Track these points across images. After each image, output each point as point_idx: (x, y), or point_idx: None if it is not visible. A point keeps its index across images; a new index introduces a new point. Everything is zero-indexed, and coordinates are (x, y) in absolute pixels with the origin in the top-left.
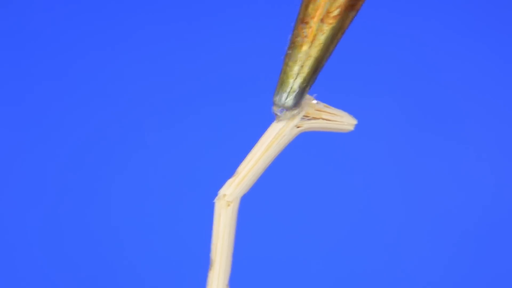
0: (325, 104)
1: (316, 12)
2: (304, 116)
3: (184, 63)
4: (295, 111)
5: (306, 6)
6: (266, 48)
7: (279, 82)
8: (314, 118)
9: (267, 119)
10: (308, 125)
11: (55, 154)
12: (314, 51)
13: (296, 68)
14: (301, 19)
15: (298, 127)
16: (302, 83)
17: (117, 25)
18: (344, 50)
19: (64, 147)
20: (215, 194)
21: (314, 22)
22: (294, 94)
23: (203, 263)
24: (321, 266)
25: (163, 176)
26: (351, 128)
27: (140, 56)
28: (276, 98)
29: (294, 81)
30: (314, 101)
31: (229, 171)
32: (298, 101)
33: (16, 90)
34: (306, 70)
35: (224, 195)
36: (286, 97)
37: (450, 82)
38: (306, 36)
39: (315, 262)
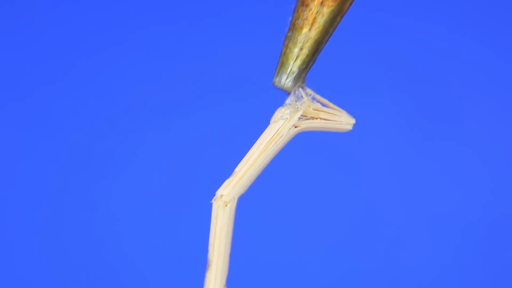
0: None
1: None
2: (302, 115)
3: (181, 63)
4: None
5: None
6: (264, 49)
7: (279, 64)
8: (312, 118)
9: (265, 119)
10: (306, 125)
11: (54, 154)
12: (314, 34)
13: (295, 50)
14: (302, 2)
15: (296, 127)
16: (302, 65)
17: (116, 25)
18: (342, 49)
19: (61, 148)
20: (213, 194)
21: (314, 5)
22: (294, 75)
23: (201, 264)
24: (318, 266)
25: (160, 176)
26: (350, 127)
27: (138, 57)
28: (276, 80)
29: (294, 63)
30: (312, 101)
31: (227, 171)
32: (297, 83)
33: (16, 90)
34: (305, 52)
35: (222, 195)
36: (286, 79)
37: (448, 82)
38: (306, 19)
39: (312, 262)
